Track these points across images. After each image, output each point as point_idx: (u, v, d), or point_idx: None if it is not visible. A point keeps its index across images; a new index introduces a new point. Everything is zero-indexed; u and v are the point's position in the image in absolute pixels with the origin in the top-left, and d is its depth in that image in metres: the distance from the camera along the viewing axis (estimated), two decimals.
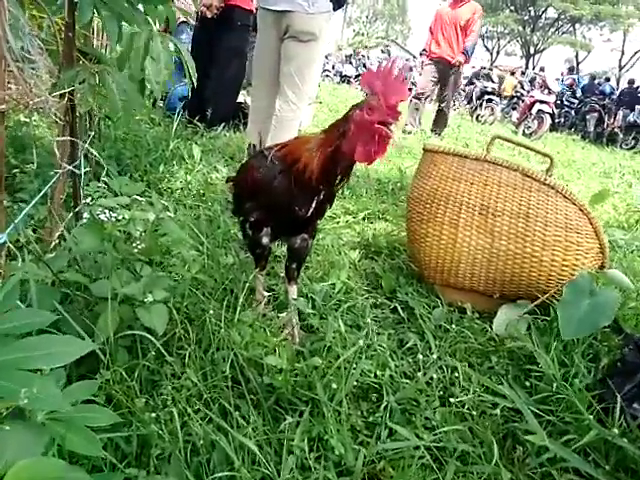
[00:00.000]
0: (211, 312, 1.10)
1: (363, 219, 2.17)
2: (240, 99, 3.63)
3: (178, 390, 0.93)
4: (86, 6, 0.99)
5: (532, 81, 10.68)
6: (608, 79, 12.39)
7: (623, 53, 26.39)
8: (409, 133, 5.22)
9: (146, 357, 0.95)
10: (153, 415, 0.83)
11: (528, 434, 0.91)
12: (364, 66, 14.24)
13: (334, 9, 2.28)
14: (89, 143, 1.64)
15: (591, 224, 1.35)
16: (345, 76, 14.61)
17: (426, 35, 5.45)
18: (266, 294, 1.31)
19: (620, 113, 9.21)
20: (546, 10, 26.59)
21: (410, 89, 5.94)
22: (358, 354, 1.05)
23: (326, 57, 12.93)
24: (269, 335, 1.13)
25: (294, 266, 1.23)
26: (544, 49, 28.02)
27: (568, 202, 1.35)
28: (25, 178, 1.63)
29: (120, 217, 1.19)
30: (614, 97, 10.09)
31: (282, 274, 1.42)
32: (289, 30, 2.19)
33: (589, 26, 27.11)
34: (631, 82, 10.44)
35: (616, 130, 9.20)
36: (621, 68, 25.96)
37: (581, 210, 1.34)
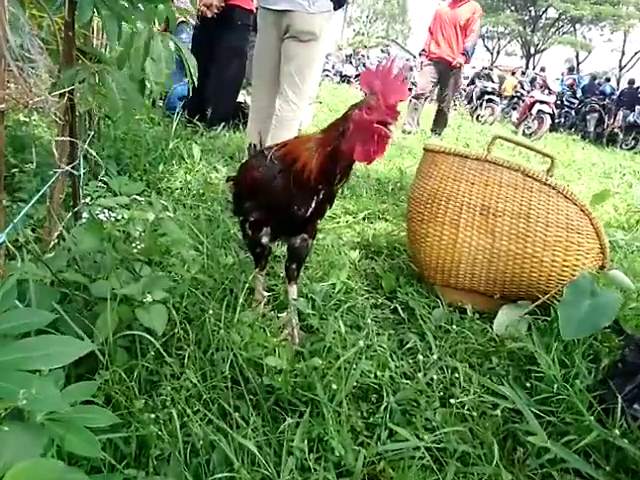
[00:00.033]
0: (211, 312, 1.10)
1: (363, 219, 2.16)
2: (240, 99, 3.63)
3: (177, 391, 0.93)
4: (86, 5, 0.99)
5: (532, 81, 10.68)
6: (608, 79, 12.38)
7: (623, 53, 26.39)
8: (408, 133, 5.22)
9: (145, 357, 0.95)
10: (152, 416, 0.83)
11: (529, 435, 0.91)
12: (364, 66, 14.23)
13: (335, 9, 2.27)
14: (88, 142, 1.63)
15: (592, 225, 1.35)
16: (345, 76, 14.61)
17: (426, 35, 5.43)
18: (266, 294, 1.31)
19: (620, 113, 9.21)
20: (547, 10, 26.59)
21: (410, 89, 5.93)
22: (358, 355, 1.05)
23: (326, 57, 12.92)
24: (269, 335, 1.13)
25: (294, 266, 1.22)
26: (544, 49, 28.01)
27: (569, 202, 1.34)
28: (24, 177, 1.63)
29: (119, 217, 1.18)
30: (614, 97, 10.08)
31: (282, 274, 1.42)
32: (289, 30, 2.18)
33: (590, 26, 27.10)
34: (631, 82, 10.43)
35: (616, 130, 9.19)
36: (621, 68, 25.95)
37: (582, 211, 1.34)
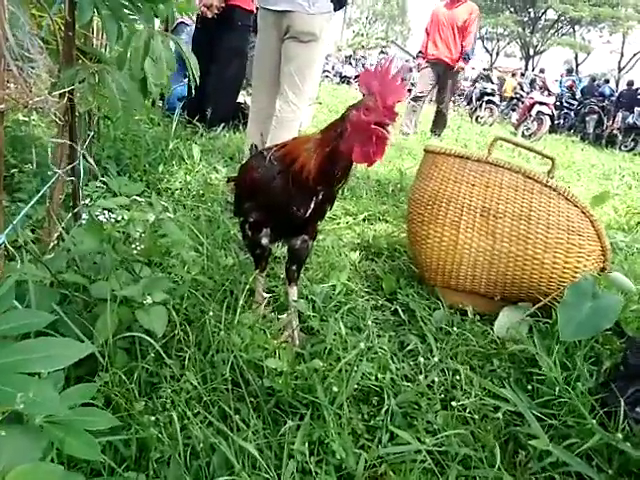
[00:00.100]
0: (211, 314, 1.09)
1: (363, 220, 2.16)
2: (240, 99, 3.63)
3: (177, 393, 0.92)
4: (86, 5, 0.98)
5: (532, 83, 10.69)
6: (607, 81, 12.41)
7: (622, 55, 26.45)
8: (406, 135, 5.20)
9: (145, 359, 0.94)
10: (152, 418, 0.82)
11: (530, 438, 0.90)
12: (363, 67, 14.25)
13: (335, 9, 2.27)
14: (88, 143, 1.63)
15: (593, 227, 1.34)
16: (345, 77, 14.63)
17: (424, 36, 5.40)
18: (266, 296, 1.30)
19: (619, 115, 9.22)
20: (546, 12, 26.65)
21: (410, 90, 5.92)
22: (359, 357, 1.05)
23: (326, 58, 12.93)
24: (269, 337, 1.12)
25: (294, 267, 1.22)
26: (544, 51, 28.07)
27: (570, 204, 1.34)
28: (24, 178, 1.62)
29: (119, 218, 1.18)
30: (613, 99, 10.10)
31: (282, 275, 1.41)
32: (290, 30, 2.18)
33: (589, 28, 27.15)
34: (630, 84, 10.45)
35: (615, 132, 9.20)
36: (620, 70, 26.01)
37: (583, 212, 1.34)
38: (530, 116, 8.60)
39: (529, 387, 1.08)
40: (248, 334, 1.08)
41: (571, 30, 27.29)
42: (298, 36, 2.17)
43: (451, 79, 5.22)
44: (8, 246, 0.89)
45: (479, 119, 9.60)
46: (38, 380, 0.61)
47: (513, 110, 10.34)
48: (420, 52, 5.39)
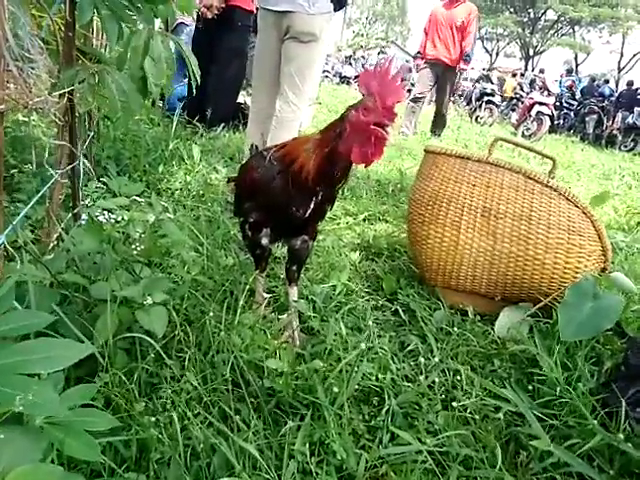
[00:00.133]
0: (211, 314, 1.09)
1: (363, 220, 2.16)
2: (240, 99, 3.63)
3: (178, 393, 0.92)
4: (86, 5, 0.98)
5: (532, 83, 10.70)
6: (607, 81, 12.41)
7: (622, 55, 26.46)
8: (405, 136, 5.19)
9: (145, 360, 0.94)
10: (152, 419, 0.82)
11: (531, 438, 0.90)
12: (363, 67, 14.25)
13: (335, 10, 2.27)
14: (88, 143, 1.63)
15: (594, 227, 1.34)
16: (344, 77, 14.62)
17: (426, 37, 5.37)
18: (266, 296, 1.30)
19: (619, 115, 9.22)
20: (545, 12, 26.65)
21: (409, 90, 5.91)
22: (359, 357, 1.04)
23: (326, 58, 12.93)
24: (269, 338, 1.12)
25: (294, 268, 1.22)
26: (543, 51, 28.08)
27: (571, 204, 1.34)
28: (23, 178, 1.62)
29: (119, 218, 1.18)
30: (613, 99, 10.10)
31: (282, 276, 1.41)
32: (290, 31, 2.18)
33: (588, 28, 27.16)
34: (630, 84, 10.45)
35: (615, 132, 9.21)
36: (620, 70, 26.02)
37: (584, 213, 1.33)
38: (530, 116, 8.60)
39: (530, 387, 1.08)
40: (248, 334, 1.08)
41: (571, 30, 27.30)
42: (298, 36, 2.17)
43: (450, 79, 5.21)
44: (8, 246, 0.89)
45: (479, 119, 9.60)
46: (38, 381, 0.61)
47: (513, 110, 10.34)
48: (418, 52, 5.36)
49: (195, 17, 3.31)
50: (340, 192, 1.17)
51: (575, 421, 0.96)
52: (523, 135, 8.55)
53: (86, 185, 1.59)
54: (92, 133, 1.79)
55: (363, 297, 1.46)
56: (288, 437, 0.86)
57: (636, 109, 8.91)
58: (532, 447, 0.89)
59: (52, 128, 1.72)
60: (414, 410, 0.99)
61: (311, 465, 0.82)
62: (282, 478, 0.80)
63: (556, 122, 9.86)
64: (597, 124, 9.68)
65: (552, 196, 1.35)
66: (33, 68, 0.91)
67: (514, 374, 1.15)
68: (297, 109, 2.26)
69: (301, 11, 2.12)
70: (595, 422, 0.91)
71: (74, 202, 1.33)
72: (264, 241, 1.18)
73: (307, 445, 0.85)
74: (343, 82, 14.37)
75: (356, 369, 1.01)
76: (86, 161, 1.50)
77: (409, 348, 1.22)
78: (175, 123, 2.61)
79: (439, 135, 5.44)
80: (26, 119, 1.91)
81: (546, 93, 8.93)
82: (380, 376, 1.04)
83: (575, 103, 10.80)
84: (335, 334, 1.13)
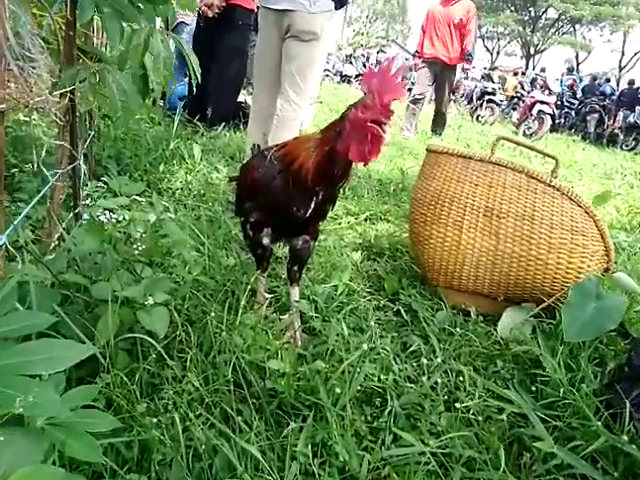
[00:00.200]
0: (212, 314, 1.08)
1: (365, 220, 2.15)
2: (240, 98, 3.62)
3: (179, 394, 0.92)
4: (87, 4, 0.98)
5: (533, 82, 10.68)
6: (608, 80, 12.39)
7: (623, 54, 26.40)
8: (406, 138, 5.16)
9: (147, 360, 0.94)
10: (154, 420, 0.82)
11: (535, 440, 0.90)
12: (364, 66, 14.23)
13: (336, 8, 2.26)
14: (89, 143, 1.62)
15: (597, 227, 1.34)
16: (345, 76, 14.59)
17: (423, 35, 5.25)
18: (268, 296, 1.30)
19: (620, 114, 9.20)
20: (546, 10, 26.59)
21: (410, 89, 5.89)
22: (361, 358, 1.04)
23: (327, 56, 12.89)
24: (271, 338, 1.12)
25: (296, 268, 1.21)
26: (544, 50, 28.02)
27: (574, 204, 1.33)
28: (24, 177, 1.62)
29: (120, 218, 1.17)
30: (614, 98, 10.08)
31: (284, 276, 1.41)
32: (290, 29, 2.17)
33: (589, 27, 27.10)
34: (631, 83, 10.43)
35: (616, 131, 9.19)
36: (621, 69, 25.97)
37: (587, 212, 1.33)
38: (531, 115, 8.59)
39: (533, 388, 1.08)
40: (250, 335, 1.07)
41: (572, 29, 27.24)
42: (299, 35, 2.16)
43: (449, 78, 5.17)
44: (9, 246, 0.89)
45: (480, 118, 9.58)
46: (39, 382, 0.61)
47: (514, 109, 10.32)
48: (416, 52, 5.31)
49: (196, 16, 3.30)
50: (341, 192, 1.17)
51: (579, 422, 0.95)
52: (524, 134, 8.54)
53: (87, 185, 1.58)
54: (93, 132, 1.79)
55: (365, 297, 1.45)
56: (290, 438, 0.86)
57: (637, 108, 8.89)
58: (536, 449, 0.89)
59: (53, 128, 1.71)
60: (417, 411, 0.98)
61: (314, 466, 0.82)
62: (285, 479, 0.79)
63: (557, 121, 9.84)
64: (598, 123, 9.66)
65: (555, 196, 1.35)
66: (34, 67, 0.90)
67: (517, 375, 1.14)
68: (298, 108, 2.26)
69: (302, 10, 2.11)
70: (599, 423, 0.91)
71: (75, 202, 1.32)
72: (265, 241, 1.17)
73: (309, 446, 0.84)
74: (344, 81, 14.34)
75: (358, 370, 1.00)
76: (92, 160, 1.49)
77: (411, 349, 1.21)
78: (176, 122, 2.61)
79: (440, 134, 5.42)
80: (27, 118, 1.91)
81: (547, 92, 8.91)
82: (382, 377, 1.04)
83: (576, 102, 10.77)
84: (337, 334, 1.13)
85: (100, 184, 1.65)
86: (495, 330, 1.32)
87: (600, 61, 28.95)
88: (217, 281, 1.29)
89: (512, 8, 27.74)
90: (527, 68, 21.59)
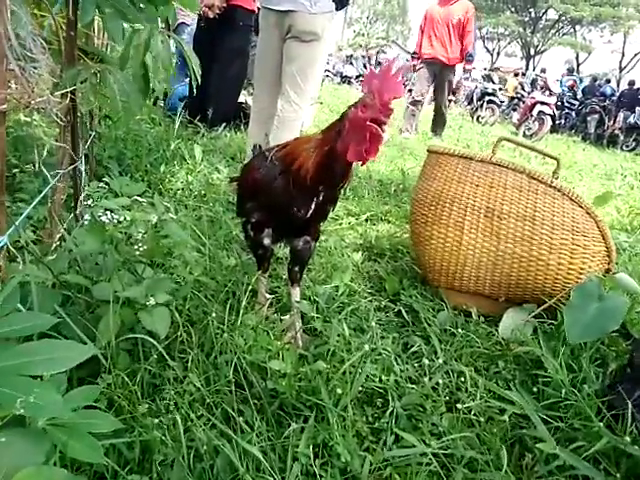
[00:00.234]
0: (213, 315, 1.08)
1: (366, 221, 2.15)
2: (241, 99, 3.62)
3: (181, 395, 0.91)
4: (88, 4, 0.98)
5: (533, 82, 10.68)
6: (609, 80, 12.39)
7: (623, 55, 26.42)
8: (406, 139, 5.15)
9: (148, 361, 0.94)
10: (155, 420, 0.82)
11: (537, 441, 0.89)
12: (364, 66, 14.22)
13: (337, 9, 2.26)
14: (90, 143, 1.62)
15: (598, 227, 1.33)
16: (346, 77, 14.59)
17: (421, 35, 5.19)
18: (269, 297, 1.30)
19: (621, 115, 9.21)
20: (546, 11, 26.62)
21: (410, 90, 5.88)
22: (363, 358, 1.04)
23: (328, 57, 12.88)
24: (272, 339, 1.11)
25: (297, 269, 1.21)
26: (544, 50, 28.03)
27: (575, 205, 1.33)
28: (25, 178, 1.62)
29: (121, 218, 1.17)
30: (615, 99, 10.08)
31: (285, 276, 1.41)
32: (291, 30, 2.18)
33: (589, 28, 27.12)
34: (631, 84, 10.43)
35: (617, 132, 9.19)
36: (621, 70, 25.98)
37: (588, 213, 1.33)
38: (531, 116, 8.59)
39: (534, 389, 1.08)
40: (251, 335, 1.07)
41: (572, 30, 27.25)
42: (300, 36, 2.17)
43: (448, 78, 5.15)
44: (10, 247, 0.88)
45: (480, 119, 9.59)
46: (41, 383, 0.60)
47: (514, 110, 10.32)
48: (414, 53, 5.30)
49: (197, 16, 3.30)
50: (342, 192, 1.17)
51: (581, 423, 0.95)
52: (524, 135, 8.54)
53: (88, 185, 1.58)
54: (93, 133, 1.79)
55: (366, 298, 1.45)
56: (292, 439, 0.86)
57: (637, 109, 8.90)
58: (537, 450, 0.89)
59: (53, 128, 1.71)
60: (418, 412, 0.98)
61: (315, 467, 0.82)
62: None
63: (557, 122, 9.84)
64: (598, 124, 9.67)
65: (556, 196, 1.35)
66: (35, 68, 0.90)
67: (518, 376, 1.14)
68: (299, 109, 2.26)
69: (303, 10, 2.12)
70: (601, 424, 0.91)
71: (76, 202, 1.32)
72: (266, 241, 1.17)
73: (311, 447, 0.84)
74: (344, 82, 14.34)
75: (359, 370, 1.00)
76: (93, 160, 1.49)
77: (413, 349, 1.21)
78: (177, 123, 2.61)
79: (440, 135, 5.41)
80: (28, 119, 1.91)
81: (547, 93, 8.91)
82: (384, 378, 1.04)
83: (576, 103, 10.77)
84: (338, 335, 1.13)
85: (101, 184, 1.65)
86: (496, 331, 1.32)
87: (600, 62, 28.96)
88: (218, 282, 1.29)
89: (512, 9, 27.76)
90: (527, 69, 21.60)
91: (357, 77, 13.54)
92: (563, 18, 26.23)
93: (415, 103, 5.23)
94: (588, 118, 9.80)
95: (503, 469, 0.85)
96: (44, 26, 1.10)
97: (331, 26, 2.35)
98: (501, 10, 27.69)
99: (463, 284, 1.46)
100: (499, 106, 10.11)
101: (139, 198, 1.43)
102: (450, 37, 4.92)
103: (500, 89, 10.74)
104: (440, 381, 1.06)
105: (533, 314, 1.32)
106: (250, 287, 1.20)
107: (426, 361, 1.11)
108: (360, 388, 1.00)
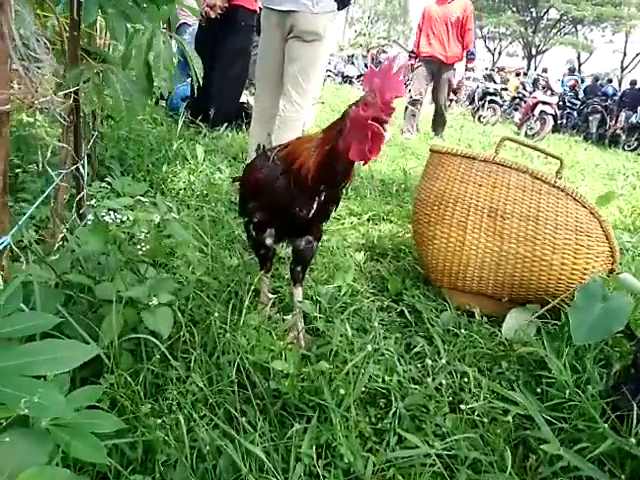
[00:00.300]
0: (216, 315, 1.08)
1: (368, 220, 2.15)
2: (243, 99, 3.62)
3: (183, 395, 0.91)
4: (92, 5, 0.97)
5: (535, 82, 10.66)
6: (610, 80, 12.36)
7: (625, 54, 26.36)
8: (407, 140, 5.14)
9: (151, 361, 0.94)
10: (158, 420, 0.82)
11: (541, 442, 0.89)
12: (365, 66, 14.22)
13: (338, 9, 2.26)
14: (92, 143, 1.62)
15: (602, 227, 1.33)
16: (347, 76, 14.59)
17: (419, 34, 5.15)
18: (271, 296, 1.30)
19: (622, 114, 9.18)
20: (548, 11, 26.57)
21: (410, 90, 5.87)
22: (365, 359, 1.03)
23: (329, 57, 12.88)
24: (275, 339, 1.11)
25: (299, 268, 1.21)
26: (546, 50, 27.98)
27: (578, 205, 1.33)
28: (28, 178, 1.62)
29: (124, 218, 1.17)
30: (616, 98, 10.06)
31: (287, 276, 1.40)
32: (293, 30, 2.17)
33: (591, 27, 27.07)
34: (633, 83, 10.39)
35: (618, 131, 9.17)
36: (623, 69, 25.93)
37: (592, 213, 1.32)
38: (533, 116, 8.57)
39: (538, 390, 1.07)
40: (254, 335, 1.07)
41: (573, 29, 27.20)
42: (302, 36, 2.16)
43: (446, 76, 5.11)
44: (13, 247, 0.88)
45: (482, 119, 9.57)
46: (44, 383, 0.60)
47: (516, 110, 10.30)
48: (412, 52, 5.27)
49: (199, 16, 3.30)
50: (344, 192, 1.16)
51: (585, 424, 0.95)
52: (526, 135, 8.53)
53: (90, 185, 1.58)
54: (96, 133, 1.79)
55: (368, 298, 1.45)
56: (294, 439, 0.86)
57: (639, 108, 8.87)
58: (541, 451, 0.88)
59: (56, 128, 1.71)
60: (421, 413, 0.98)
61: (318, 468, 0.81)
62: None
63: (559, 121, 9.82)
64: (600, 123, 9.64)
65: (559, 196, 1.34)
66: (39, 68, 0.90)
67: (522, 376, 1.14)
68: (301, 109, 2.26)
69: (305, 10, 2.11)
70: (605, 426, 0.90)
71: (78, 202, 1.32)
72: (268, 241, 1.17)
73: (314, 448, 0.84)
74: (346, 81, 14.33)
75: (362, 371, 1.00)
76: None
77: (415, 350, 1.21)
78: (179, 123, 2.61)
79: (441, 134, 5.39)
80: (30, 119, 1.91)
81: (549, 92, 8.90)
82: (387, 378, 1.03)
83: (578, 102, 10.75)
84: (341, 335, 1.13)
85: (103, 184, 1.65)
86: (499, 331, 1.32)
87: (602, 62, 28.92)
88: (220, 281, 1.29)
89: (514, 9, 27.72)
90: (529, 69, 21.57)
91: (358, 77, 13.53)
92: (564, 18, 26.18)
93: (414, 103, 5.20)
94: (590, 118, 9.78)
95: (507, 470, 0.85)
96: (47, 26, 1.10)
97: (333, 26, 2.34)
98: (502, 10, 27.66)
99: (466, 284, 1.45)
100: (501, 106, 10.09)
101: (141, 198, 1.43)
102: (448, 35, 4.88)
103: (503, 89, 10.71)
104: (443, 382, 1.05)
105: (536, 314, 1.31)
106: (252, 287, 1.19)
107: (429, 361, 1.11)
108: (363, 388, 0.99)
